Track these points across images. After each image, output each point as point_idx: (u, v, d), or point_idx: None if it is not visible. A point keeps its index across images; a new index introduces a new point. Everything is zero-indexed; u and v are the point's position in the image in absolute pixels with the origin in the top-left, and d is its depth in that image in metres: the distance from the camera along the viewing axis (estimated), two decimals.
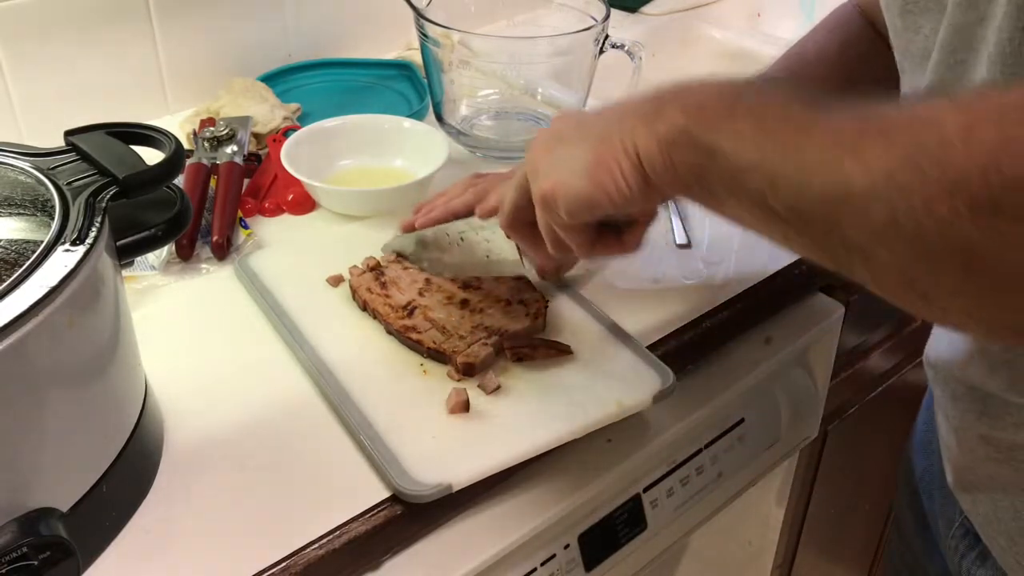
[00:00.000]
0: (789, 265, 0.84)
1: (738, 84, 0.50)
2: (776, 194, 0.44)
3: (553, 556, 0.68)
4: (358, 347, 0.72)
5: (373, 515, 0.60)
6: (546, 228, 0.61)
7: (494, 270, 0.75)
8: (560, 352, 0.70)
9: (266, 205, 0.90)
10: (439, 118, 1.01)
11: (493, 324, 0.72)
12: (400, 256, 0.79)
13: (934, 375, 0.65)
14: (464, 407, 0.66)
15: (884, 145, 0.39)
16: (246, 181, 0.92)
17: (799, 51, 0.81)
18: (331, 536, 0.59)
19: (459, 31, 0.94)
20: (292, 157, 0.88)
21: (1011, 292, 0.37)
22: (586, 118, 0.58)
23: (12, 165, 0.60)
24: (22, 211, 0.59)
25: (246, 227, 0.86)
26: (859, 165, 0.40)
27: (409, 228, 0.81)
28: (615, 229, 0.63)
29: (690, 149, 0.48)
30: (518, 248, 0.71)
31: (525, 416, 0.66)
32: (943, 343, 0.64)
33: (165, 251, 0.81)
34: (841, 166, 0.40)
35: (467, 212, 0.79)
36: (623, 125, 0.52)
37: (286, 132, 0.96)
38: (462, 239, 0.74)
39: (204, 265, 0.82)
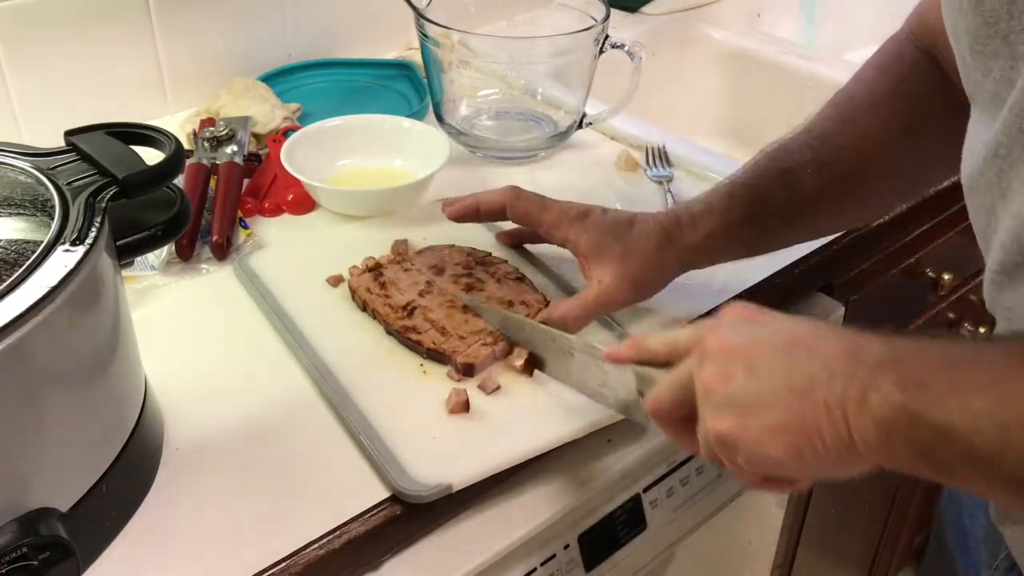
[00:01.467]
0: (789, 265, 0.84)
1: (950, 346, 0.48)
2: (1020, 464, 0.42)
3: (553, 556, 0.68)
4: (358, 347, 0.72)
5: (373, 515, 0.60)
6: (711, 453, 0.53)
7: (603, 402, 0.65)
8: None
9: (266, 205, 0.90)
10: (439, 118, 1.01)
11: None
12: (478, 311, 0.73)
13: None
14: (464, 407, 0.66)
15: None
16: (246, 181, 0.92)
17: (848, 95, 0.75)
18: (331, 536, 0.59)
19: (459, 31, 0.94)
20: (292, 157, 0.88)
21: None
22: (774, 340, 0.51)
23: (12, 165, 0.60)
24: (22, 211, 0.59)
25: (246, 227, 0.86)
26: None
27: (449, 207, 0.79)
28: None
29: (915, 430, 0.45)
30: (640, 400, 0.60)
31: (525, 416, 0.66)
32: None
33: (165, 251, 0.81)
34: None
35: (494, 211, 0.77)
36: (830, 387, 0.47)
37: (286, 132, 0.96)
38: (572, 353, 0.66)
39: (204, 265, 0.82)
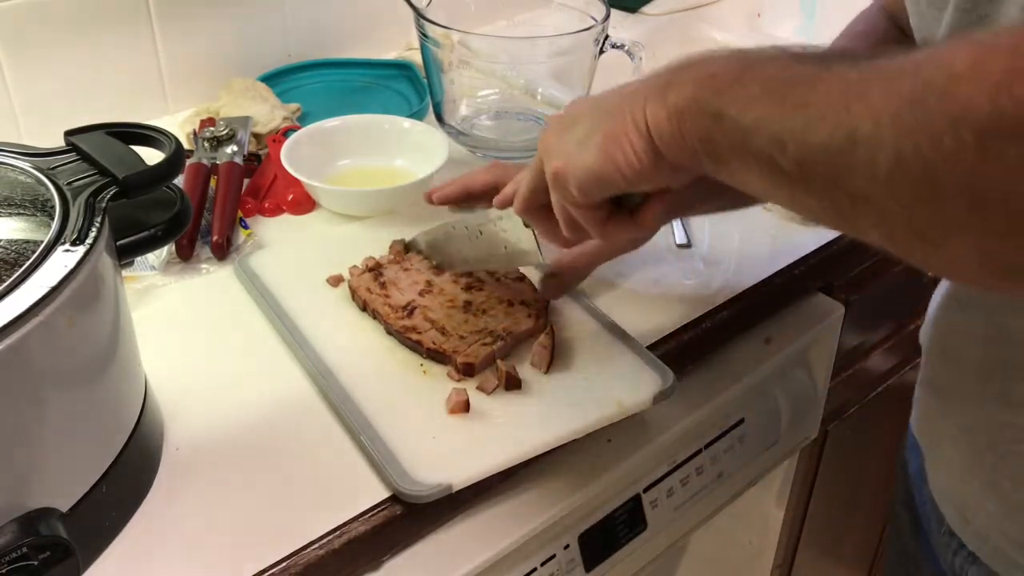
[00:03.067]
0: (789, 265, 0.84)
1: (748, 52, 0.50)
2: (783, 151, 0.44)
3: (553, 556, 0.68)
4: (358, 347, 0.72)
5: (373, 515, 0.60)
6: (560, 208, 0.61)
7: (512, 262, 0.75)
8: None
9: (266, 205, 0.90)
10: (439, 118, 1.01)
11: (495, 326, 0.71)
12: (420, 253, 0.79)
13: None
14: (464, 407, 0.66)
15: (890, 88, 0.39)
16: (246, 181, 0.92)
17: None
18: (331, 536, 0.59)
19: (459, 31, 0.94)
20: (292, 157, 0.88)
21: (1018, 228, 0.37)
22: (599, 99, 0.58)
23: (12, 165, 0.60)
24: (22, 211, 0.59)
25: (246, 227, 0.86)
26: (865, 111, 0.40)
27: (429, 196, 0.81)
28: (629, 211, 0.62)
29: (699, 116, 0.49)
30: (535, 238, 0.71)
31: (525, 416, 0.66)
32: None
33: (165, 251, 0.81)
34: (847, 114, 0.40)
35: (483, 190, 0.78)
36: (634, 99, 0.52)
37: (286, 132, 0.96)
38: (480, 232, 0.74)
39: (204, 265, 0.82)
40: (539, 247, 0.71)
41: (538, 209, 0.64)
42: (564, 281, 0.76)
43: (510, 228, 0.71)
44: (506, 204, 0.70)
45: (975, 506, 0.64)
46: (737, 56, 0.50)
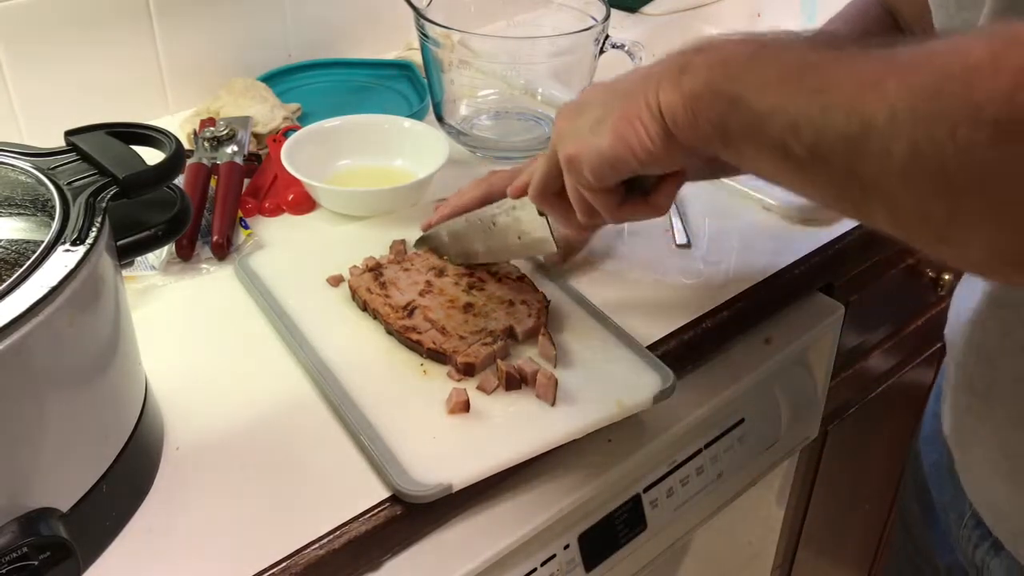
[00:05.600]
0: (789, 265, 0.84)
1: (762, 37, 0.50)
2: (797, 137, 0.44)
3: (553, 556, 0.68)
4: (358, 347, 0.72)
5: (373, 515, 0.60)
6: (574, 193, 0.61)
7: (527, 250, 0.75)
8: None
9: (266, 205, 0.90)
10: (439, 118, 1.01)
11: (496, 326, 0.71)
12: (438, 247, 0.80)
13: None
14: (464, 407, 0.66)
15: (906, 78, 0.39)
16: (246, 181, 0.92)
17: None
18: (331, 536, 0.59)
19: (459, 31, 0.94)
20: (292, 157, 0.88)
21: None
22: (612, 83, 0.58)
23: (12, 165, 0.60)
24: (22, 211, 0.59)
25: (246, 227, 0.86)
26: (881, 100, 0.40)
27: (427, 227, 0.81)
28: (643, 193, 0.63)
29: (713, 100, 0.49)
30: (548, 225, 0.71)
31: (525, 416, 0.66)
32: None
33: (165, 251, 0.81)
34: (863, 103, 0.40)
35: (476, 206, 0.79)
36: (647, 83, 0.53)
37: (286, 132, 0.96)
38: (495, 223, 0.75)
39: (204, 265, 0.82)
40: (553, 234, 0.72)
41: (552, 195, 0.65)
42: (567, 249, 0.77)
43: (524, 217, 0.72)
44: (520, 193, 0.71)
45: (1015, 507, 0.63)
46: (751, 41, 0.50)
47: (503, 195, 0.78)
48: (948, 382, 0.69)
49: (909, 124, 0.38)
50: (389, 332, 0.73)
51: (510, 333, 0.72)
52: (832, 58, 0.44)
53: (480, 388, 0.68)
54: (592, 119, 0.57)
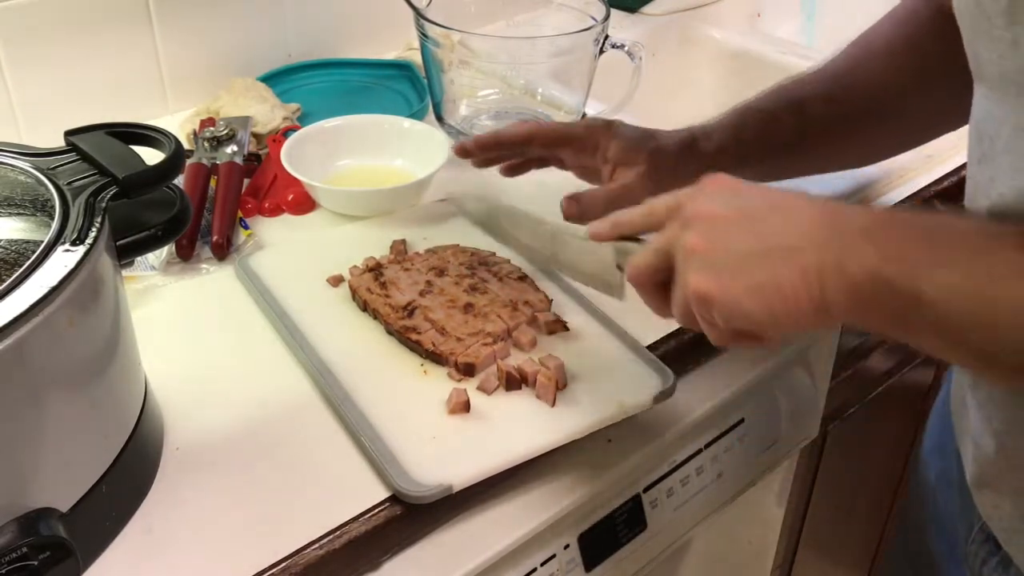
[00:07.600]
0: None
1: (928, 219, 0.49)
2: (995, 340, 0.45)
3: (553, 556, 0.68)
4: (358, 347, 0.72)
5: (373, 515, 0.60)
6: (685, 313, 0.56)
7: (588, 281, 0.69)
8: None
9: (266, 205, 0.90)
10: (439, 118, 1.01)
11: (496, 328, 0.71)
12: (468, 213, 0.80)
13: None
14: (464, 407, 0.66)
15: None
16: (246, 181, 0.92)
17: (865, 42, 0.78)
18: (331, 536, 0.59)
19: (459, 31, 0.94)
20: (292, 157, 0.88)
21: None
22: (754, 207, 0.54)
23: (12, 165, 0.60)
24: (22, 211, 0.59)
25: (246, 227, 0.86)
26: None
27: (459, 149, 0.82)
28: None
29: (890, 296, 0.47)
30: (622, 278, 0.64)
31: (525, 416, 0.66)
32: None
33: (165, 251, 0.81)
34: None
35: (514, 143, 0.80)
36: (806, 253, 0.49)
37: (286, 132, 0.96)
38: (551, 233, 0.71)
39: (204, 265, 0.82)
40: (623, 286, 0.65)
41: (653, 285, 0.59)
42: (585, 207, 0.76)
43: (594, 252, 0.65)
44: (602, 237, 0.63)
45: None
46: (918, 223, 0.49)
47: (548, 140, 0.80)
48: (967, 387, 0.68)
49: None
50: (389, 332, 0.73)
51: (510, 334, 0.72)
52: (1015, 257, 0.44)
53: (480, 388, 0.68)
54: (737, 262, 0.52)
